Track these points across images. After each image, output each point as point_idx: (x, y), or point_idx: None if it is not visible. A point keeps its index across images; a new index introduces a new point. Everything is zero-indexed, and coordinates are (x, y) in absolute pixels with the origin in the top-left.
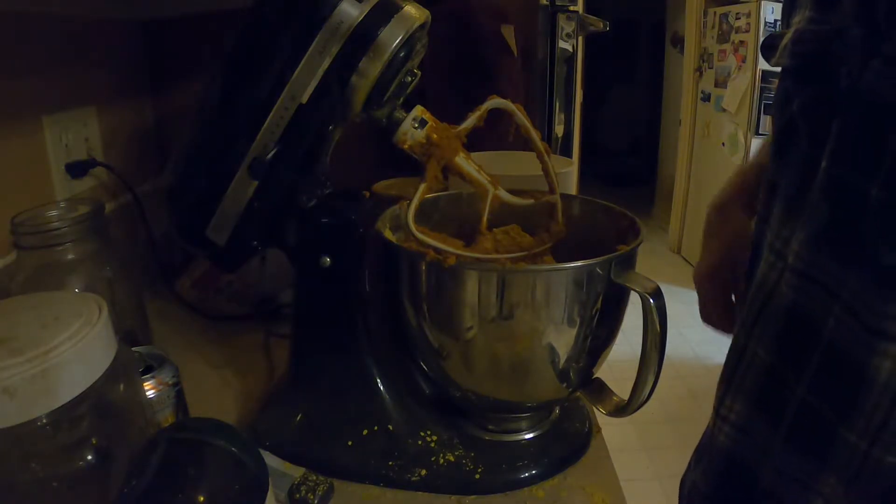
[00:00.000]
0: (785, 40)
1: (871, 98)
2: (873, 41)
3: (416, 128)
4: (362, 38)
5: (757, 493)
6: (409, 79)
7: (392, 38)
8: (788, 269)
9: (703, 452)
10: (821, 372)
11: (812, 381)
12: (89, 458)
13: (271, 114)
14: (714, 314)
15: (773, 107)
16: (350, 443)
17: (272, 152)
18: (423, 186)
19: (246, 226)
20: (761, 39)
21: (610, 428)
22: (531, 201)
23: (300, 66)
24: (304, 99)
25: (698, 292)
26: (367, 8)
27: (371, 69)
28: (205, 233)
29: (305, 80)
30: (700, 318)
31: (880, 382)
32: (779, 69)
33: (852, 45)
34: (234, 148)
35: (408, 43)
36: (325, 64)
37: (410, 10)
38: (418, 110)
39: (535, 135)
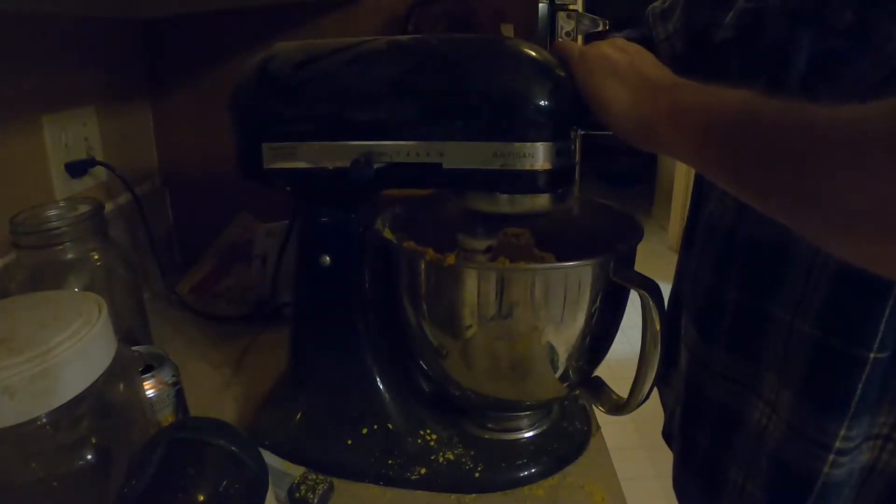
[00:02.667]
0: (728, 18)
1: (777, 48)
2: (788, 9)
3: (482, 252)
4: (530, 179)
5: (708, 406)
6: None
7: (548, 206)
8: (733, 208)
9: (674, 388)
10: (744, 268)
11: (738, 280)
12: (89, 457)
13: (412, 142)
14: None
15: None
16: (350, 442)
17: (380, 165)
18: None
19: (297, 174)
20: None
21: (609, 426)
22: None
23: (466, 142)
24: (445, 164)
25: None
26: (553, 165)
27: (530, 206)
28: (261, 143)
29: (459, 159)
30: None
31: (799, 256)
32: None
33: (775, 16)
34: (361, 123)
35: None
36: (486, 163)
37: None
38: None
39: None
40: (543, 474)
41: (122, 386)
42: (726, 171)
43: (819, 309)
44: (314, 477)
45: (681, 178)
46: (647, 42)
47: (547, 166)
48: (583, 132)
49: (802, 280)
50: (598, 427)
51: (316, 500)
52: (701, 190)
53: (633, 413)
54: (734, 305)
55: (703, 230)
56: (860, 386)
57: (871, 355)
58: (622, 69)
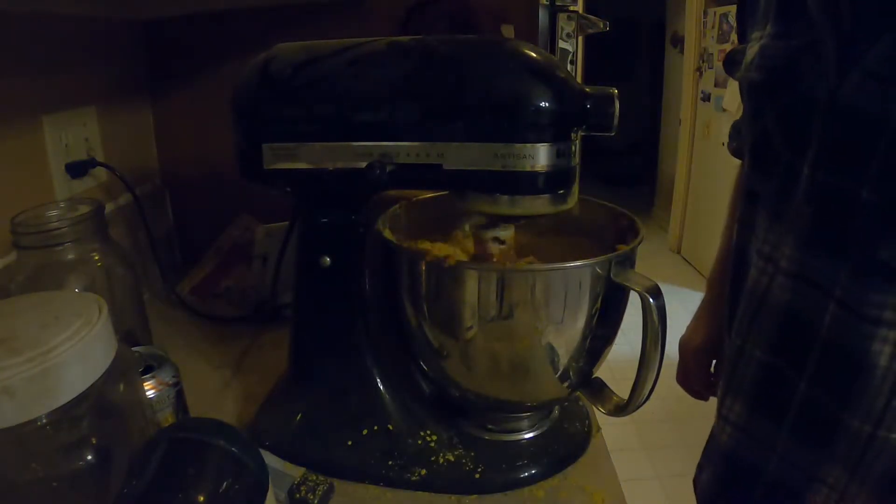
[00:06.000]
0: (749, 56)
1: (852, 109)
2: (848, 53)
3: (494, 242)
4: (531, 180)
5: (763, 484)
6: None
7: (548, 207)
8: (781, 272)
9: (710, 454)
10: (821, 366)
11: (813, 376)
12: (89, 458)
13: (413, 143)
14: (696, 384)
15: (742, 122)
16: (350, 443)
17: (389, 168)
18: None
19: (297, 174)
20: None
21: (610, 427)
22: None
23: (467, 143)
24: (446, 166)
25: (682, 359)
26: (554, 166)
27: (531, 207)
28: (262, 144)
29: (460, 160)
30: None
31: (881, 367)
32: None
33: (826, 57)
34: (362, 124)
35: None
36: (487, 164)
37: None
38: (510, 234)
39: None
40: (544, 475)
41: (122, 386)
42: None
43: None
44: (314, 478)
45: (681, 178)
46: None
47: (548, 167)
48: (583, 133)
49: (887, 395)
50: (599, 428)
51: (316, 501)
52: (742, 234)
53: (634, 414)
54: (803, 397)
55: (751, 300)
56: None
57: None
58: None
